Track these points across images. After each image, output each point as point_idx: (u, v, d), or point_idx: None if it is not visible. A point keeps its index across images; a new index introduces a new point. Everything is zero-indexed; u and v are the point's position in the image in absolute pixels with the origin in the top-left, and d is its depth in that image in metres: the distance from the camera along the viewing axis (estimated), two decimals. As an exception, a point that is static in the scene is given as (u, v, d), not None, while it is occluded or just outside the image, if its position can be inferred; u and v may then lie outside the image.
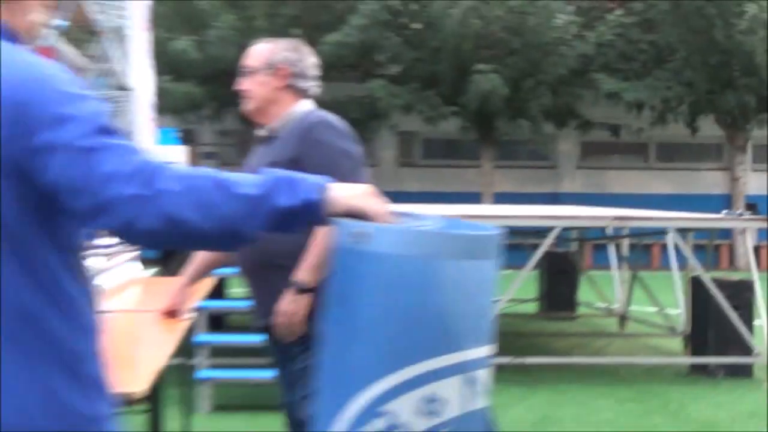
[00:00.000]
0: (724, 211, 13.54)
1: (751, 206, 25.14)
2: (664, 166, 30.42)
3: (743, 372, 10.85)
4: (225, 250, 4.21)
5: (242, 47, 5.40)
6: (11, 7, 2.44)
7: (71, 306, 2.40)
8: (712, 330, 11.21)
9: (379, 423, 2.43)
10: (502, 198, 25.55)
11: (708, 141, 28.98)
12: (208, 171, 2.37)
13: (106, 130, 2.31)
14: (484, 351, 2.54)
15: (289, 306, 4.65)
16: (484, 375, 2.55)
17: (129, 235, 2.33)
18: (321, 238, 4.28)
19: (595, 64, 25.45)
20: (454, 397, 2.47)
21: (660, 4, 24.36)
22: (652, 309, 14.15)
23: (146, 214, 2.26)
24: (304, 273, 4.62)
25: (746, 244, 12.78)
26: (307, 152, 4.58)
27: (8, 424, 2.29)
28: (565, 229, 12.31)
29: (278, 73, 4.86)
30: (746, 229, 12.71)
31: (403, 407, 2.43)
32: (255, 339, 7.25)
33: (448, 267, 2.45)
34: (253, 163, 4.88)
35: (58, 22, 11.23)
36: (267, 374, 7.16)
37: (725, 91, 24.99)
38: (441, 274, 2.44)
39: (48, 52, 9.85)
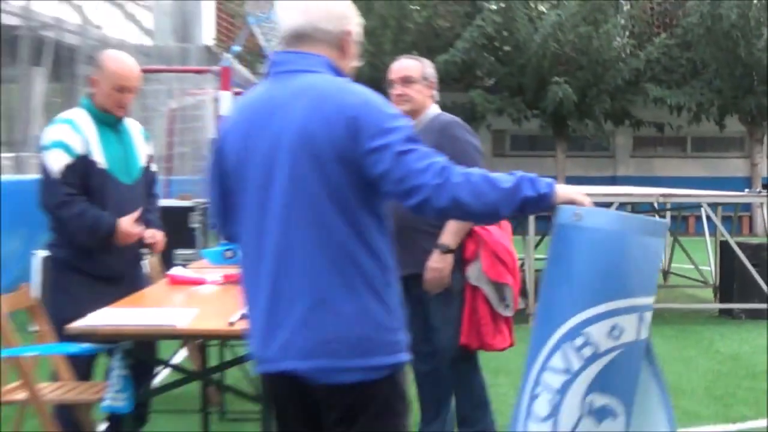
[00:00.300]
0: (746, 190, 13.36)
1: (767, 186, 24.69)
2: (698, 155, 29.83)
3: (761, 315, 10.59)
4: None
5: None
6: (342, 58, 2.93)
7: (380, 252, 2.71)
8: (736, 282, 11.07)
9: (579, 340, 2.70)
10: (571, 180, 25.28)
11: (733, 135, 28.34)
12: (478, 170, 2.64)
13: (413, 139, 2.64)
14: (650, 300, 2.76)
15: (438, 264, 4.64)
16: (648, 316, 2.76)
17: (423, 210, 2.62)
18: None
19: (645, 76, 25.06)
20: (630, 328, 2.72)
21: (696, 29, 23.91)
22: (689, 266, 13.92)
23: (439, 197, 2.56)
24: (448, 237, 4.63)
25: (763, 215, 12.53)
26: (443, 144, 4.44)
27: (338, 332, 2.64)
28: (621, 204, 12.13)
29: (431, 84, 4.90)
30: (763, 203, 12.46)
31: (596, 331, 2.69)
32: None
33: (633, 239, 2.71)
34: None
35: (234, 47, 11.29)
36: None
37: (747, 96, 24.47)
38: (629, 243, 2.71)
39: (227, 71, 9.89)
